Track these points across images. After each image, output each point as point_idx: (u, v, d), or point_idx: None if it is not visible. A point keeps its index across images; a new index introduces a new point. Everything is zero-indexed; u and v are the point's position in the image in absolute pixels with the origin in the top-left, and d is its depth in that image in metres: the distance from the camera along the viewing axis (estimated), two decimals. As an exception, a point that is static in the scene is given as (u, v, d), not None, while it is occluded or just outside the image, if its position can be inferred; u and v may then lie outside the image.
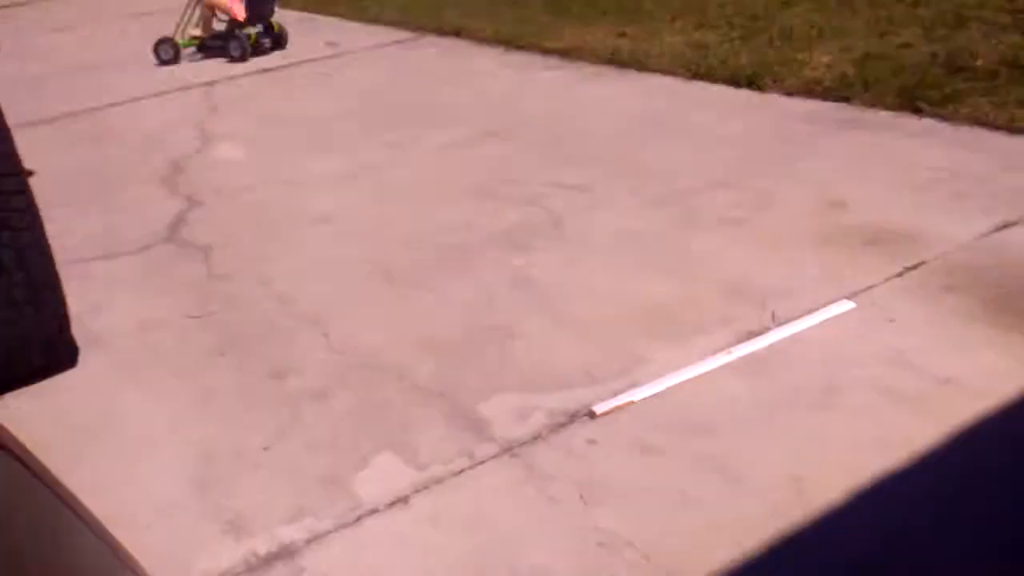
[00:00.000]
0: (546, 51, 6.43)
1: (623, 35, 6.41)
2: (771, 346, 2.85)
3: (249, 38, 7.18)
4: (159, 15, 8.16)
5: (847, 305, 3.03)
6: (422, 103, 5.70)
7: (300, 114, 5.76)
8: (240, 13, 7.12)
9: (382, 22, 7.92)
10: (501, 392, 2.74)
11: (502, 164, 4.58)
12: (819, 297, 3.08)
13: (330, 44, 7.36)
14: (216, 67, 7.05)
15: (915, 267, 3.20)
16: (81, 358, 3.17)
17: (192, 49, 7.38)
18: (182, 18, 7.31)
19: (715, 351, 2.85)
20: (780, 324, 2.96)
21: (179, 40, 7.28)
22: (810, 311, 3.01)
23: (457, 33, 7.22)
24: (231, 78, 6.72)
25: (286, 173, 4.76)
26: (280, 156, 5.05)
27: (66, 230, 3.97)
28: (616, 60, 5.99)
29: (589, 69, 5.98)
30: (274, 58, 7.11)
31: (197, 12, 7.30)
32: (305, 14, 8.72)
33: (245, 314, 3.39)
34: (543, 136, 4.91)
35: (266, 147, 5.23)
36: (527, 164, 4.54)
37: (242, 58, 7.12)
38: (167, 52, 7.24)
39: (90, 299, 3.53)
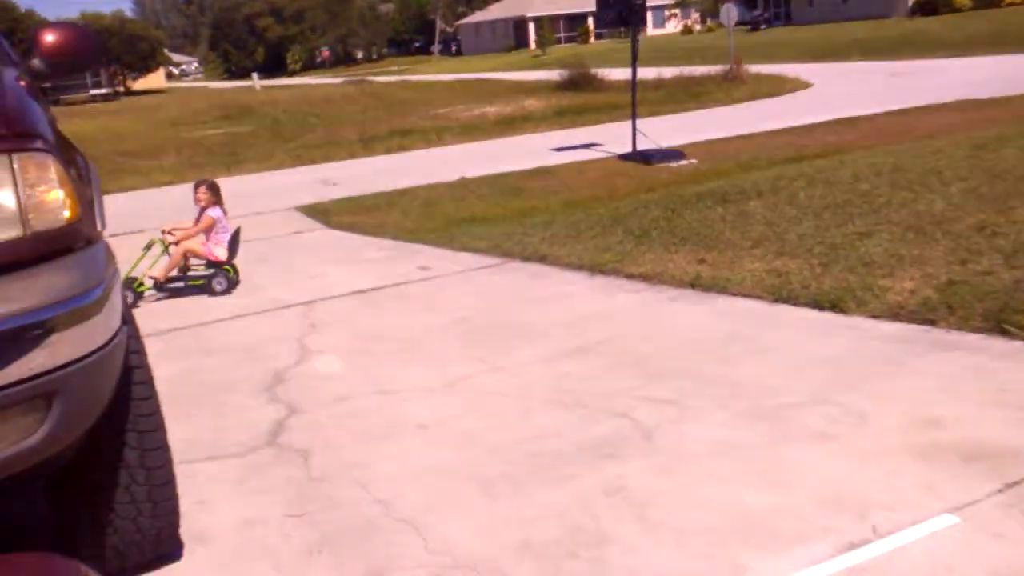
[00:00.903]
0: (629, 275, 6.67)
1: (703, 261, 6.65)
2: (874, 559, 2.81)
3: (228, 273, 7.83)
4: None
5: (951, 519, 2.98)
6: (510, 322, 5.92)
7: (394, 332, 6.02)
8: (222, 255, 7.88)
9: (470, 250, 8.34)
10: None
11: (589, 378, 4.69)
12: (921, 511, 3.04)
13: (422, 268, 7.77)
14: (313, 287, 7.44)
15: (1017, 483, 3.15)
16: (186, 552, 3.25)
17: (153, 291, 7.82)
18: (138, 261, 7.77)
19: (816, 562, 2.81)
20: (882, 536, 2.92)
21: (135, 285, 7.63)
22: (913, 524, 2.97)
23: (542, 259, 7.56)
24: (328, 298, 7.09)
25: (381, 385, 4.94)
26: (375, 369, 5.25)
27: (172, 432, 4.13)
28: (698, 284, 6.18)
29: (671, 292, 6.18)
30: (369, 280, 7.49)
31: (158, 256, 7.82)
32: (398, 242, 9.26)
33: (343, 515, 3.46)
34: (628, 353, 5.03)
35: (362, 361, 5.45)
36: (613, 379, 4.64)
37: (226, 292, 7.70)
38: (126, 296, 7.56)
39: (194, 497, 3.65)
